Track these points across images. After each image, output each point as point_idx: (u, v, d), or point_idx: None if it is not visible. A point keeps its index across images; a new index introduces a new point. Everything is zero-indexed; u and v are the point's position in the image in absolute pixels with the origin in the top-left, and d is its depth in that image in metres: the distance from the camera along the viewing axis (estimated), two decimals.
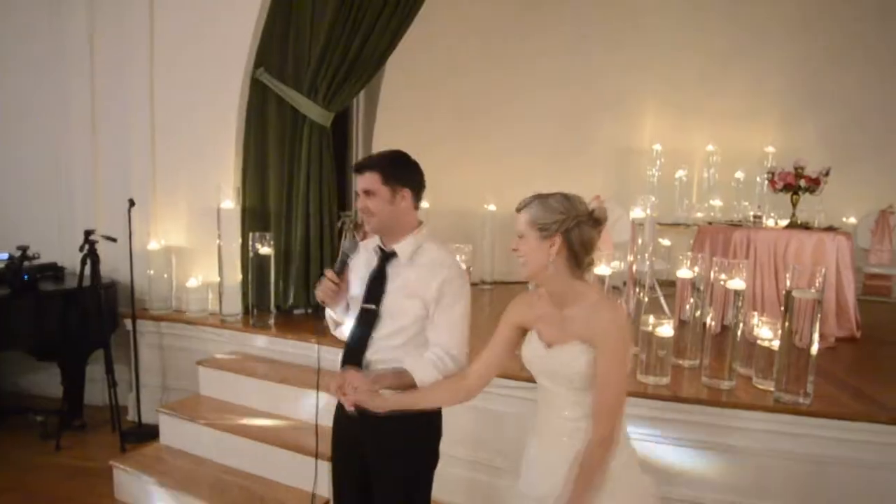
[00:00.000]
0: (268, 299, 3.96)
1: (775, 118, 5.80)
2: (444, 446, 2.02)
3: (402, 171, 1.86)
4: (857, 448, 2.58)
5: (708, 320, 2.96)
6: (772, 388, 2.81)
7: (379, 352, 1.86)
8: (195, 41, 4.05)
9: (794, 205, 4.07)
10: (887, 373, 3.41)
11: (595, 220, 1.59)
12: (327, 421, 2.06)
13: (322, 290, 1.85)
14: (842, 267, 3.78)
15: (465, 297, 1.87)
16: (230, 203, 4.02)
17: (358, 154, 5.51)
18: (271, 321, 3.94)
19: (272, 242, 3.94)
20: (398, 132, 5.42)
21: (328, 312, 2.00)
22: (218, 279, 4.07)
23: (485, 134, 5.87)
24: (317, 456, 2.30)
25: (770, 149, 5.77)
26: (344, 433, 1.97)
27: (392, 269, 1.87)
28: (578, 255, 1.59)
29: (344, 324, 1.98)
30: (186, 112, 4.10)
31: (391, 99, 5.47)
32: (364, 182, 1.82)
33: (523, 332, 1.73)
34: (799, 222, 4.05)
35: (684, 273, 3.26)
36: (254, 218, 4.13)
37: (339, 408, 1.95)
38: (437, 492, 3.01)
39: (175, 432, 3.45)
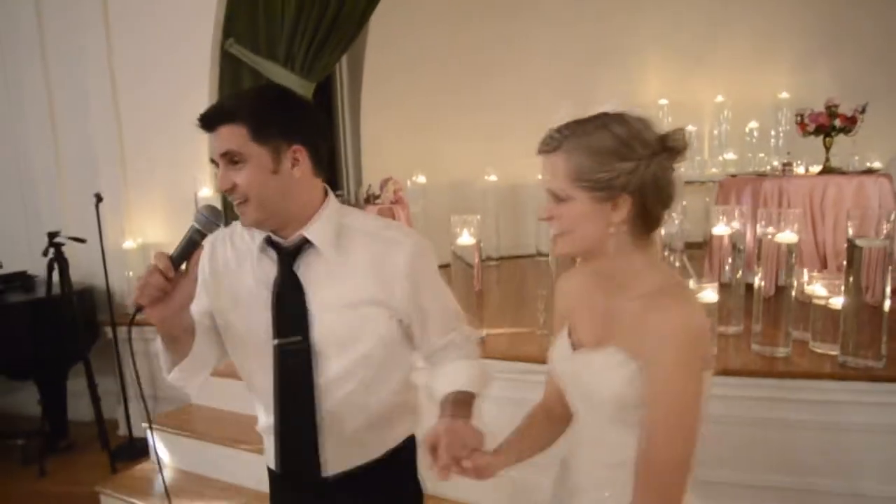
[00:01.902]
0: None
1: (788, 62, 5.42)
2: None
3: (284, 116, 1.16)
4: None
5: (757, 280, 2.62)
6: (833, 352, 2.49)
7: (335, 414, 1.22)
8: (154, 15, 3.64)
9: (828, 148, 3.71)
10: None
11: (671, 153, 1.00)
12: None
13: (143, 286, 1.08)
14: (885, 213, 3.44)
15: (437, 268, 1.32)
16: (208, 191, 3.64)
17: (346, 137, 5.12)
18: None
19: None
20: (387, 107, 5.06)
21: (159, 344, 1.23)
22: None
23: (480, 100, 5.48)
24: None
25: (784, 95, 5.40)
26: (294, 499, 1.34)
27: (309, 271, 1.19)
28: (652, 215, 1.02)
29: (190, 380, 1.27)
30: (153, 95, 3.70)
31: (376, 70, 5.07)
32: (221, 142, 1.12)
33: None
34: (833, 167, 3.71)
35: (721, 230, 2.92)
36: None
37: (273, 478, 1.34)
38: (461, 491, 2.75)
39: (168, 448, 3.11)
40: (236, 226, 1.27)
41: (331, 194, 1.26)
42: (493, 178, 5.48)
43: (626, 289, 1.04)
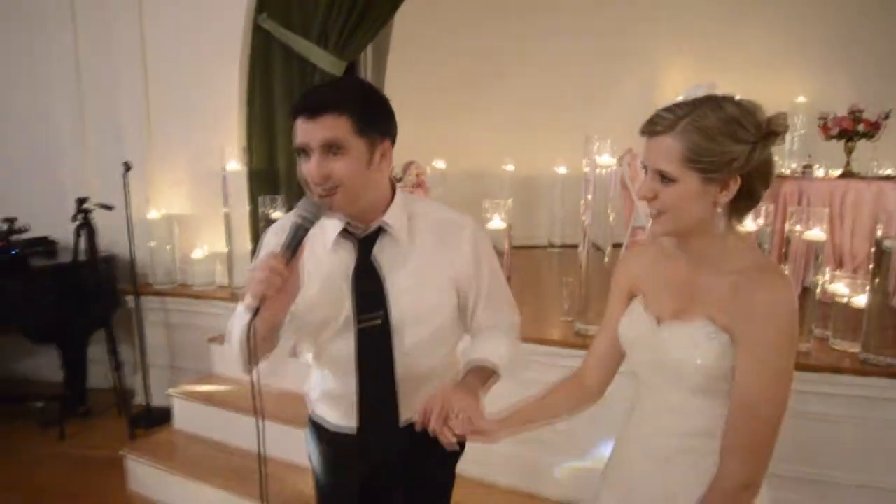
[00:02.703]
0: None
1: (807, 67, 5.47)
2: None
3: (382, 115, 1.21)
4: None
5: None
6: (853, 349, 2.55)
7: (409, 373, 1.32)
8: None
9: (850, 152, 3.77)
10: None
11: (774, 136, 1.04)
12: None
13: (260, 282, 1.07)
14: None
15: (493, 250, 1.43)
16: (236, 164, 3.65)
17: None
18: None
19: (285, 207, 3.59)
20: (410, 93, 5.06)
21: (236, 347, 1.21)
22: (226, 249, 3.73)
23: (500, 91, 5.53)
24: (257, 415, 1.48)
25: (801, 99, 5.44)
26: (338, 462, 1.45)
27: (385, 256, 1.27)
28: (757, 193, 1.06)
29: (278, 369, 1.29)
30: (182, 66, 3.70)
31: (401, 56, 5.08)
32: (323, 129, 1.13)
33: (631, 299, 1.24)
34: (853, 171, 3.76)
35: (747, 227, 2.97)
36: (262, 180, 3.76)
37: (324, 433, 1.43)
38: (480, 472, 2.81)
39: (189, 416, 3.15)
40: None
41: (398, 185, 1.34)
42: (510, 167, 5.51)
43: (717, 265, 1.07)
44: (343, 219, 1.26)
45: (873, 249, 2.48)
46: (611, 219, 3.06)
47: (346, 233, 1.28)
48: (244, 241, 3.69)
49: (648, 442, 1.17)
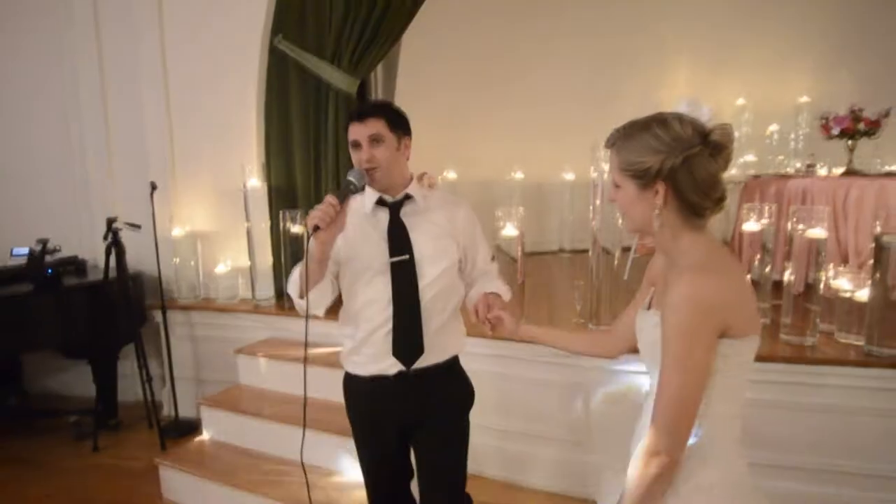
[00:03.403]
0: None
1: (809, 67, 5.55)
2: (478, 417, 1.98)
3: (403, 120, 1.80)
4: None
5: (787, 275, 2.77)
6: (857, 342, 2.64)
7: (429, 306, 1.79)
8: (208, 10, 3.80)
9: (852, 150, 3.85)
10: None
11: (715, 147, 1.15)
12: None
13: (320, 211, 1.57)
14: None
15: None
16: (256, 181, 3.80)
17: None
18: None
19: (304, 221, 3.73)
20: (419, 105, 5.19)
21: (294, 284, 1.76)
22: (248, 263, 3.87)
23: (510, 100, 5.65)
24: (304, 426, 1.87)
25: (804, 98, 5.52)
26: (377, 402, 1.85)
27: (409, 218, 1.79)
28: (694, 202, 1.18)
29: (319, 301, 1.73)
30: (203, 87, 3.87)
31: (410, 70, 5.23)
32: (369, 128, 1.71)
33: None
34: (856, 169, 3.84)
35: (751, 226, 3.07)
36: (281, 196, 3.91)
37: (360, 382, 1.86)
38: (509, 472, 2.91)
39: (219, 425, 3.28)
40: (352, 204, 1.74)
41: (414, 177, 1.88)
42: (519, 175, 5.62)
43: (675, 263, 1.23)
44: (377, 192, 1.78)
45: (873, 245, 2.57)
46: (619, 223, 3.16)
47: (380, 202, 1.79)
48: (266, 255, 3.83)
49: (646, 405, 1.33)
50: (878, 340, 2.52)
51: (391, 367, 1.79)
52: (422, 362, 1.79)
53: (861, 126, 3.72)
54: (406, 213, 1.79)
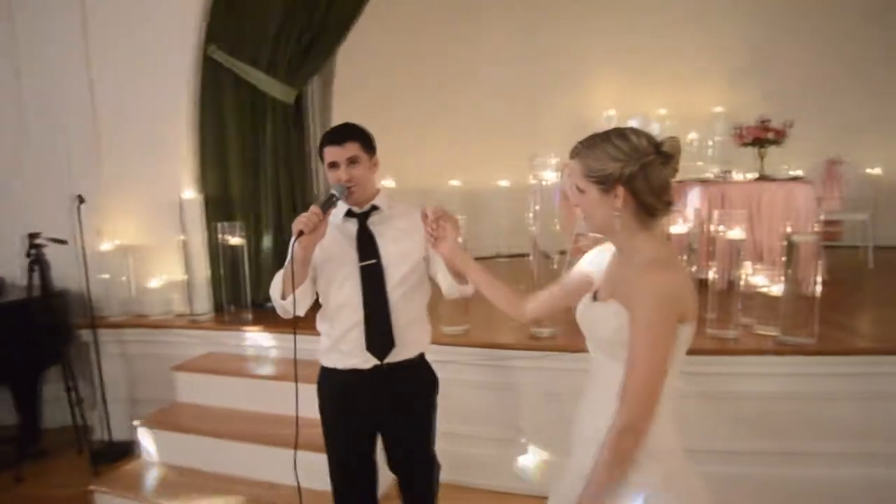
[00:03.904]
0: (243, 294, 3.69)
1: (723, 80, 5.97)
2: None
3: (372, 141, 1.99)
4: (857, 382, 2.68)
5: (712, 274, 2.98)
6: (774, 333, 2.88)
7: (397, 305, 1.94)
8: (135, 18, 3.66)
9: (762, 157, 4.18)
10: (864, 311, 3.60)
11: (665, 157, 1.32)
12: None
13: (306, 217, 1.75)
14: (810, 214, 3.93)
15: None
16: (191, 193, 3.70)
17: (316, 141, 5.24)
18: (249, 316, 3.67)
19: (242, 233, 3.66)
20: (356, 116, 5.18)
21: (276, 287, 1.90)
22: (183, 277, 3.76)
23: (444, 110, 5.77)
24: (296, 447, 1.99)
25: (719, 109, 5.94)
26: (352, 393, 1.99)
27: (375, 226, 1.96)
28: (649, 204, 1.33)
29: (301, 302, 1.89)
30: (132, 97, 3.72)
31: (347, 81, 5.23)
32: (347, 151, 1.90)
33: (590, 283, 1.53)
34: (766, 174, 4.18)
35: (677, 228, 3.28)
36: (217, 208, 3.83)
37: (337, 376, 2.00)
38: (455, 474, 2.96)
39: (159, 445, 3.15)
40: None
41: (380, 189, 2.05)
42: (456, 182, 5.73)
43: (630, 260, 1.37)
44: (346, 205, 1.96)
45: (784, 244, 2.82)
46: (557, 228, 3.31)
47: (349, 213, 1.98)
48: (202, 268, 3.73)
49: (590, 392, 1.47)
50: (790, 331, 2.76)
51: (366, 361, 1.96)
52: (394, 357, 1.96)
53: (770, 135, 4.05)
54: (373, 222, 1.97)
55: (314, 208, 1.78)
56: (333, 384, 2.02)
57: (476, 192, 5.97)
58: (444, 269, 1.94)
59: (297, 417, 1.95)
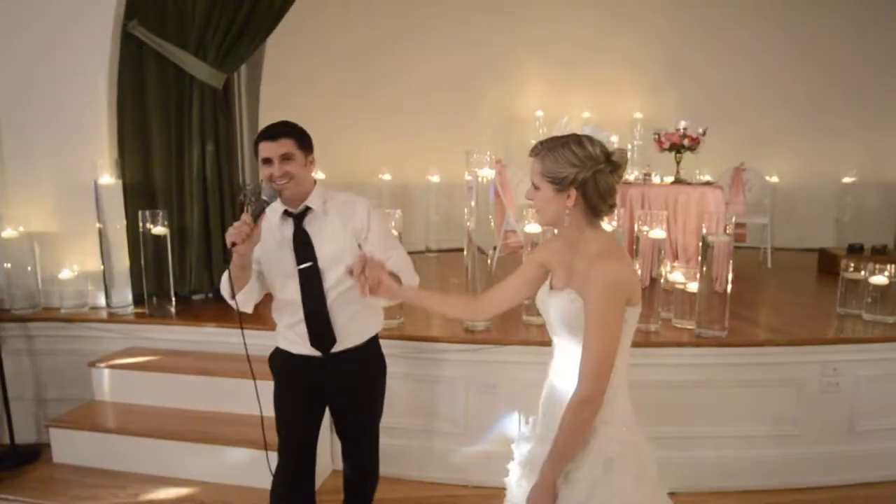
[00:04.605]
0: (166, 285, 3.51)
1: (642, 87, 6.31)
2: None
3: (309, 139, 2.00)
4: (767, 370, 2.96)
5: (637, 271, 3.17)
6: (690, 326, 3.11)
7: (337, 303, 1.99)
8: None
9: (678, 162, 4.47)
10: (766, 307, 3.95)
11: (614, 165, 1.49)
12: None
13: (236, 229, 1.79)
14: (720, 217, 4.24)
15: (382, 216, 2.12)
16: (109, 178, 3.47)
17: (243, 130, 5.05)
18: (173, 309, 3.50)
19: (166, 221, 3.48)
20: (285, 104, 5.06)
21: (225, 287, 1.96)
22: (100, 267, 3.52)
23: (375, 104, 5.73)
24: (266, 447, 2.14)
25: (638, 115, 6.27)
26: (303, 373, 2.07)
27: (311, 226, 1.97)
28: (596, 206, 1.50)
29: (248, 301, 2.01)
30: (41, 73, 3.43)
31: (275, 69, 5.08)
32: (281, 147, 1.90)
33: (546, 273, 1.67)
34: (682, 178, 4.47)
35: (605, 227, 3.44)
36: (138, 194, 3.61)
37: (289, 356, 2.08)
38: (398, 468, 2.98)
39: (73, 447, 2.97)
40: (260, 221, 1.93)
41: (318, 182, 2.05)
42: (387, 177, 5.71)
43: (581, 251, 1.53)
44: (282, 205, 1.97)
45: (700, 244, 3.05)
46: (492, 224, 3.39)
47: (286, 214, 1.99)
48: (122, 258, 3.51)
49: (552, 373, 1.63)
50: (705, 324, 3.00)
51: (314, 351, 2.03)
52: (340, 347, 2.03)
53: (686, 142, 4.34)
54: (308, 222, 1.97)
55: (245, 217, 1.81)
56: (286, 361, 2.11)
57: (406, 187, 5.98)
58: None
59: (261, 417, 2.05)
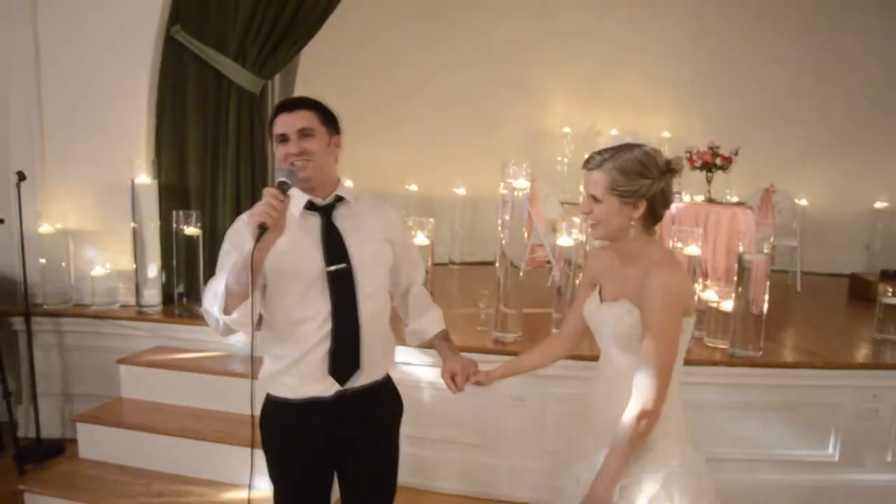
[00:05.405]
0: (196, 286, 3.52)
1: (669, 105, 6.29)
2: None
3: (334, 117, 1.67)
4: (803, 393, 2.90)
5: None
6: (723, 346, 3.05)
7: (368, 323, 1.63)
8: None
9: (710, 181, 4.43)
10: (801, 329, 3.87)
11: (673, 173, 1.48)
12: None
13: (267, 205, 1.35)
14: (751, 238, 4.19)
15: None
16: (146, 178, 3.51)
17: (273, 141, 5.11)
18: (200, 310, 3.51)
19: (199, 223, 3.51)
20: None
21: (211, 310, 1.49)
22: (132, 266, 3.56)
23: (403, 115, 5.77)
24: (252, 446, 1.68)
25: (666, 134, 6.24)
26: (310, 427, 1.64)
27: (342, 222, 1.62)
28: (658, 213, 1.49)
29: (243, 321, 1.44)
30: (85, 72, 3.49)
31: (308, 77, 5.15)
32: (300, 120, 1.56)
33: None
34: (713, 198, 4.43)
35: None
36: (172, 195, 3.65)
37: (289, 408, 1.64)
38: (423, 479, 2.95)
39: (99, 443, 2.97)
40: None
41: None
42: (413, 187, 5.73)
43: (636, 261, 1.50)
44: (305, 195, 1.60)
45: (736, 265, 3.00)
46: (525, 237, 3.37)
47: (310, 206, 1.62)
48: (154, 258, 3.55)
49: (603, 387, 1.59)
50: (740, 344, 2.94)
51: (329, 388, 1.62)
52: (360, 381, 1.65)
53: (718, 161, 4.30)
54: (338, 218, 1.62)
55: (273, 192, 1.38)
56: (284, 416, 1.66)
57: (431, 198, 6.00)
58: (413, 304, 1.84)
59: (252, 418, 1.58)
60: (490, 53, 6.02)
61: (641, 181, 1.43)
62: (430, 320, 1.86)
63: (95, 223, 3.60)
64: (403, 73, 5.82)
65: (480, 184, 5.87)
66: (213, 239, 3.72)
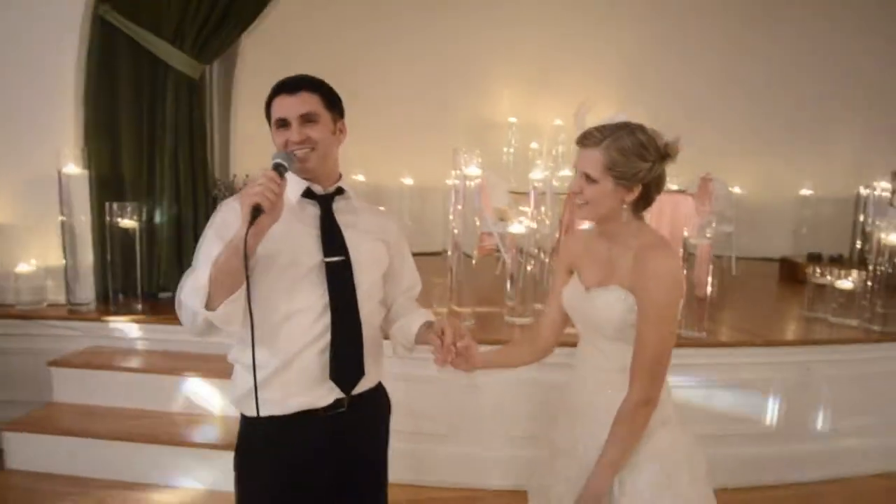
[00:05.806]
0: (134, 282, 3.34)
1: (612, 96, 6.43)
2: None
3: (338, 100, 1.51)
4: (744, 370, 3.03)
5: None
6: None
7: (366, 322, 1.48)
8: None
9: None
10: (739, 311, 4.05)
11: (669, 157, 1.39)
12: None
13: (263, 187, 1.23)
14: (693, 224, 4.36)
15: None
16: (74, 168, 3.29)
17: (213, 125, 4.91)
18: (139, 306, 3.33)
19: (136, 215, 3.32)
20: (261, 100, 4.96)
21: (191, 305, 1.33)
22: (61, 262, 3.33)
23: (349, 106, 5.51)
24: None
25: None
26: (301, 447, 1.45)
27: (342, 216, 1.49)
28: (651, 197, 1.41)
29: (232, 317, 1.32)
30: (3, 55, 3.24)
31: (251, 65, 4.98)
32: (303, 104, 1.41)
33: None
34: None
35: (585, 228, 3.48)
36: (105, 186, 3.44)
37: (281, 424, 1.43)
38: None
39: (30, 452, 2.77)
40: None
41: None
42: (360, 178, 5.63)
43: (626, 243, 1.41)
44: (303, 182, 1.47)
45: (681, 249, 3.11)
46: (478, 226, 3.37)
47: (308, 194, 1.48)
48: (85, 253, 3.33)
49: (588, 376, 1.50)
50: (685, 326, 3.05)
51: (325, 395, 1.43)
52: (359, 387, 1.49)
53: None
54: (338, 210, 1.50)
55: (271, 174, 1.27)
56: (267, 440, 1.45)
57: (379, 188, 5.92)
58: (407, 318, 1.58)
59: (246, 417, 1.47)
60: (434, 46, 5.99)
61: (640, 164, 1.34)
62: (419, 314, 1.61)
63: (16, 217, 3.34)
64: (349, 65, 5.70)
65: (427, 174, 5.84)
66: (150, 232, 3.55)
